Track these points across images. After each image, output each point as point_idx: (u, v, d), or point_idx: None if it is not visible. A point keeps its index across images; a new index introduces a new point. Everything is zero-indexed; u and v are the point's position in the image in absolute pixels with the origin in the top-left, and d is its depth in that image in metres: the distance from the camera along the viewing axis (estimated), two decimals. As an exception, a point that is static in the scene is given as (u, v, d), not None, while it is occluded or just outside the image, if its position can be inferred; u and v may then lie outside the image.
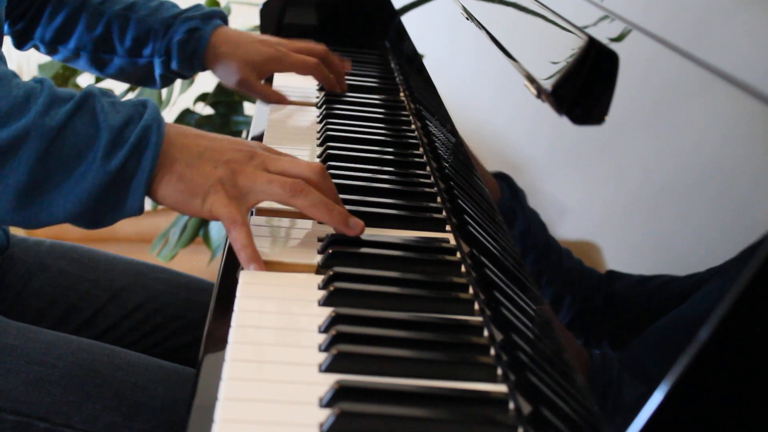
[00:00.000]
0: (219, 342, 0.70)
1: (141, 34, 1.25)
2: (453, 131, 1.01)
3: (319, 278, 0.80)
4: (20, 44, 1.31)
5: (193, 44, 1.24)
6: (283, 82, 1.37)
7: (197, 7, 1.29)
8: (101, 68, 1.30)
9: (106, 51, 1.27)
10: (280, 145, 1.13)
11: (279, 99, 1.29)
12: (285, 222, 0.91)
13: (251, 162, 0.83)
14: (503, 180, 0.84)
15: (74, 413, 0.94)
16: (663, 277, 0.58)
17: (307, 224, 0.91)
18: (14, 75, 0.81)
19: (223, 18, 1.29)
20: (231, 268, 0.82)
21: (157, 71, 1.27)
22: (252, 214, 0.90)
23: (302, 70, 1.29)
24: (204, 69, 1.28)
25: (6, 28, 1.28)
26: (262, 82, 1.30)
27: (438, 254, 0.86)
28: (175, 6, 1.28)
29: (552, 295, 0.69)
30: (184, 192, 0.81)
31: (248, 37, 1.28)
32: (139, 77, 1.31)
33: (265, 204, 0.89)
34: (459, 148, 0.99)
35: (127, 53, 1.26)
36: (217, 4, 2.11)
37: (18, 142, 0.76)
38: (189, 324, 1.20)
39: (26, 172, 0.77)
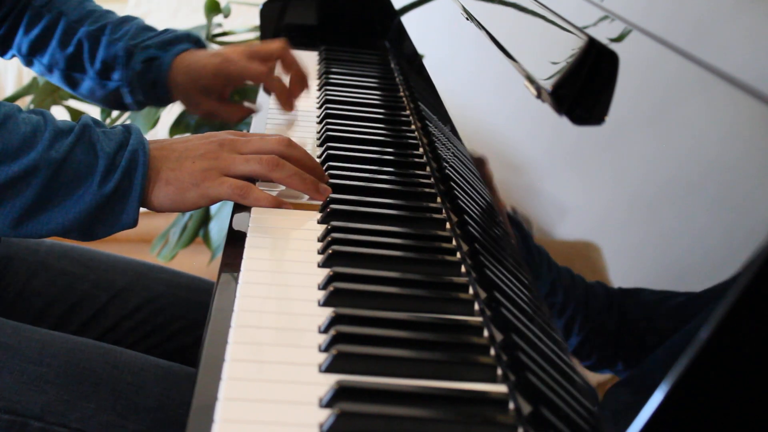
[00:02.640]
0: (219, 342, 0.70)
1: (109, 58, 1.23)
2: (453, 131, 1.01)
3: (320, 278, 0.80)
4: (2, 51, 1.29)
5: (153, 74, 1.21)
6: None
7: (166, 31, 1.24)
8: (73, 87, 1.28)
9: (77, 70, 1.26)
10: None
11: (241, 114, 1.26)
12: (285, 222, 0.91)
13: (224, 149, 0.93)
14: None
15: (69, 412, 0.93)
16: (678, 296, 0.58)
17: (307, 224, 0.91)
18: (19, 110, 0.89)
19: (193, 40, 1.24)
20: (231, 267, 0.82)
21: (127, 99, 1.25)
22: (251, 223, 0.90)
23: (252, 78, 1.24)
24: (174, 100, 1.25)
25: None
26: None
27: (438, 254, 0.86)
28: (146, 30, 1.24)
29: (564, 319, 0.69)
30: (176, 192, 0.90)
31: (202, 56, 1.22)
32: (111, 101, 1.28)
33: (264, 215, 0.91)
34: (459, 148, 0.99)
35: (98, 75, 1.24)
36: (217, 5, 2.11)
37: (28, 173, 0.86)
38: (190, 324, 1.20)
39: (32, 197, 0.86)
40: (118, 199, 0.88)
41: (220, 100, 1.25)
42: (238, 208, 0.95)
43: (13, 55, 1.30)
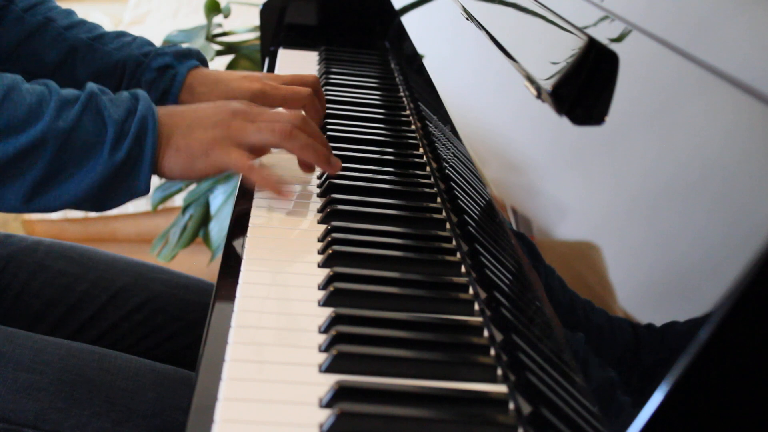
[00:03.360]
0: (219, 342, 0.70)
1: (106, 69, 1.13)
2: (453, 131, 1.01)
3: (320, 278, 0.80)
4: None
5: (166, 83, 1.11)
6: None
7: (173, 46, 1.16)
8: None
9: (63, 81, 1.12)
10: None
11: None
12: (285, 223, 0.91)
13: (237, 117, 0.92)
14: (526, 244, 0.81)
15: (63, 420, 0.93)
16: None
17: (307, 224, 0.91)
18: (22, 81, 0.87)
19: (201, 59, 1.16)
20: (231, 267, 0.82)
21: None
22: (251, 224, 0.90)
23: (295, 103, 1.11)
24: None
25: None
26: None
27: (438, 254, 0.86)
28: (149, 44, 1.16)
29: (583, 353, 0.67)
30: (186, 159, 0.90)
31: (229, 74, 1.14)
32: None
33: (264, 215, 0.92)
34: (459, 148, 0.99)
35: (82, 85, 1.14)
36: (217, 5, 2.11)
37: (36, 145, 0.84)
38: (189, 325, 1.19)
39: (43, 169, 0.85)
40: (129, 167, 0.87)
41: None
42: (239, 207, 0.95)
43: None
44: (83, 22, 1.17)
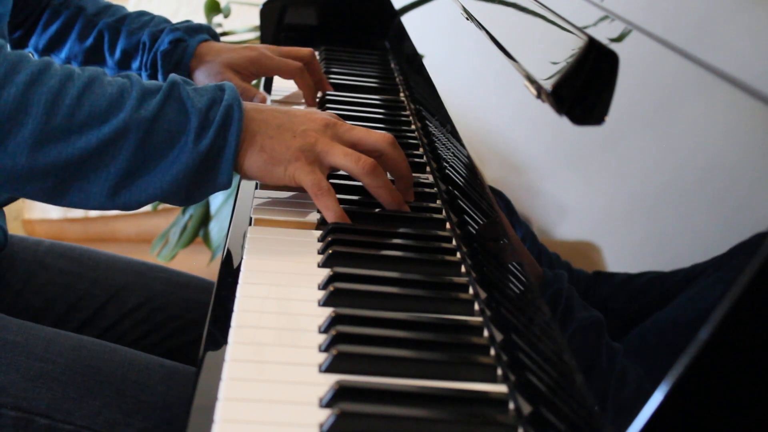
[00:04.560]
0: (219, 342, 0.70)
1: (130, 47, 1.25)
2: (453, 131, 1.01)
3: (320, 278, 0.80)
4: None
5: (178, 55, 1.22)
6: (284, 84, 1.37)
7: (187, 21, 1.28)
8: None
9: (96, 62, 1.27)
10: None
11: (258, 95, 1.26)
12: (285, 222, 0.91)
13: (327, 131, 0.90)
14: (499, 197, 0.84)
15: (75, 409, 0.94)
16: (648, 274, 0.58)
17: (307, 225, 0.91)
18: (104, 73, 0.87)
19: (212, 34, 1.28)
20: (231, 268, 0.82)
21: None
22: (251, 223, 0.90)
23: (285, 73, 1.26)
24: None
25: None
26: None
27: (438, 254, 0.86)
28: (166, 21, 1.28)
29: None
30: (267, 161, 0.88)
31: (231, 46, 1.26)
32: None
33: (264, 215, 0.92)
34: (459, 148, 0.99)
35: (117, 65, 1.26)
36: (217, 5, 2.11)
37: (118, 135, 0.83)
38: (189, 323, 1.20)
39: (126, 160, 0.83)
40: (213, 157, 0.85)
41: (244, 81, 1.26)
42: (239, 207, 0.95)
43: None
44: (109, 6, 1.29)
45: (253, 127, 0.88)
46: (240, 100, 0.88)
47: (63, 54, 1.28)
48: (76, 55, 1.27)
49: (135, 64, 1.25)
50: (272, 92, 1.33)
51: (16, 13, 1.26)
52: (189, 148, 0.84)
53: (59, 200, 0.86)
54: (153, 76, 1.25)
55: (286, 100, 1.32)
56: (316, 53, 1.57)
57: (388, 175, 0.93)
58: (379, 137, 0.92)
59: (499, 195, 0.82)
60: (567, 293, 0.64)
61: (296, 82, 1.28)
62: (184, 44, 1.22)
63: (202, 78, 1.26)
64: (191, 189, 0.86)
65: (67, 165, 0.83)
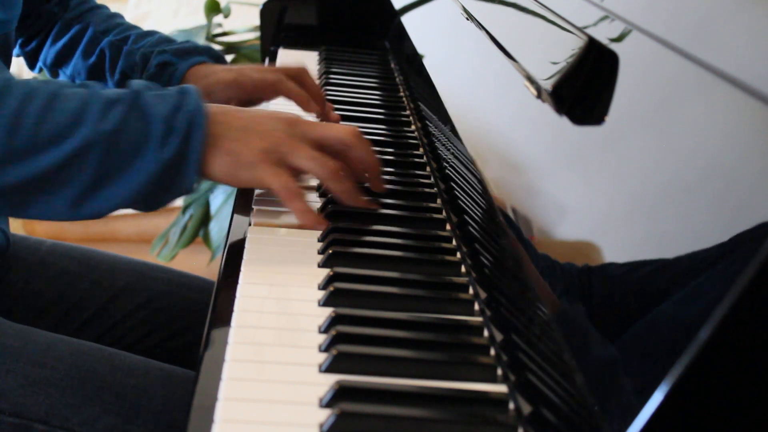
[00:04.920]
0: (219, 342, 0.70)
1: (128, 67, 1.21)
2: (453, 131, 1.01)
3: (320, 278, 0.80)
4: (32, 65, 1.30)
5: (164, 80, 1.17)
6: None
7: (186, 42, 1.22)
8: None
9: (99, 81, 1.22)
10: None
11: None
12: (285, 223, 0.91)
13: (292, 131, 0.89)
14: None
15: (73, 415, 0.93)
16: (646, 267, 0.58)
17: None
18: (67, 85, 0.85)
19: (214, 56, 1.20)
20: (231, 267, 0.82)
21: None
22: (251, 224, 0.90)
23: (266, 89, 1.15)
24: None
25: (18, 48, 1.28)
26: None
27: (438, 254, 0.86)
28: (168, 41, 1.22)
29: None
30: (233, 165, 0.86)
31: (218, 69, 1.17)
32: None
33: (264, 215, 0.92)
34: (459, 148, 0.99)
35: (116, 86, 1.21)
36: (217, 5, 2.11)
37: (82, 150, 0.82)
38: (190, 324, 1.20)
39: (90, 173, 0.82)
40: (177, 164, 0.84)
41: None
42: (239, 207, 0.95)
43: (41, 68, 1.29)
44: (118, 25, 1.26)
45: (217, 130, 0.86)
46: (201, 104, 0.86)
47: (69, 70, 1.25)
48: (80, 72, 1.24)
49: None
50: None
51: (31, 23, 1.25)
52: (153, 156, 0.83)
53: (21, 214, 0.85)
54: None
55: None
56: (316, 53, 1.57)
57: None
58: (343, 131, 0.91)
59: (511, 224, 0.82)
60: (583, 329, 0.63)
61: (283, 94, 1.16)
62: (172, 68, 1.17)
63: None
64: (155, 196, 0.85)
65: (30, 182, 0.82)
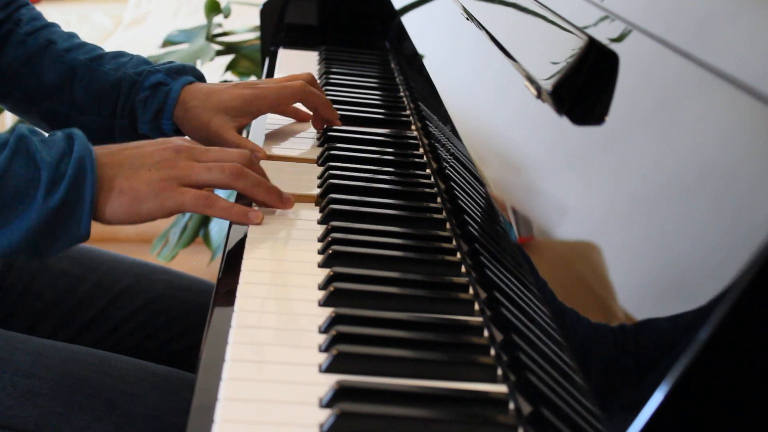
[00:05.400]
0: (219, 342, 0.70)
1: (103, 90, 1.13)
2: (453, 131, 1.01)
3: (320, 278, 0.80)
4: None
5: (159, 101, 1.10)
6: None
7: (168, 63, 1.15)
8: (53, 123, 1.16)
9: (59, 101, 1.15)
10: (281, 146, 1.14)
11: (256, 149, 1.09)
12: (285, 223, 0.91)
13: (181, 155, 0.88)
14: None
15: (64, 425, 0.92)
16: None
17: (307, 224, 0.91)
18: None
19: (197, 75, 1.15)
20: (231, 268, 0.82)
21: (118, 135, 1.14)
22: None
23: (287, 98, 1.14)
24: (177, 131, 1.12)
25: None
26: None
27: (438, 254, 0.86)
28: (145, 62, 1.15)
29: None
30: (132, 202, 0.85)
31: (220, 85, 1.14)
32: (95, 136, 1.05)
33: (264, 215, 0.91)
34: (459, 148, 0.99)
35: (85, 107, 1.14)
36: (217, 5, 2.11)
37: None
38: (191, 327, 1.19)
39: None
40: (68, 212, 0.82)
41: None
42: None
43: None
44: (83, 44, 1.17)
45: (107, 172, 0.85)
46: (90, 148, 0.84)
47: (25, 90, 1.15)
48: (40, 94, 1.15)
49: (106, 109, 1.13)
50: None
51: None
52: (38, 204, 0.81)
53: None
54: (131, 125, 1.13)
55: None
56: (316, 53, 1.57)
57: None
58: (235, 154, 0.90)
59: (525, 257, 0.82)
60: (583, 329, 0.63)
61: (306, 103, 1.16)
62: (167, 89, 1.11)
63: (190, 129, 1.11)
64: (44, 244, 0.83)
65: None
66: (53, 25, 1.19)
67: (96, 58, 1.15)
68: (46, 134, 0.85)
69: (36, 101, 1.16)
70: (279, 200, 0.92)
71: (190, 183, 0.87)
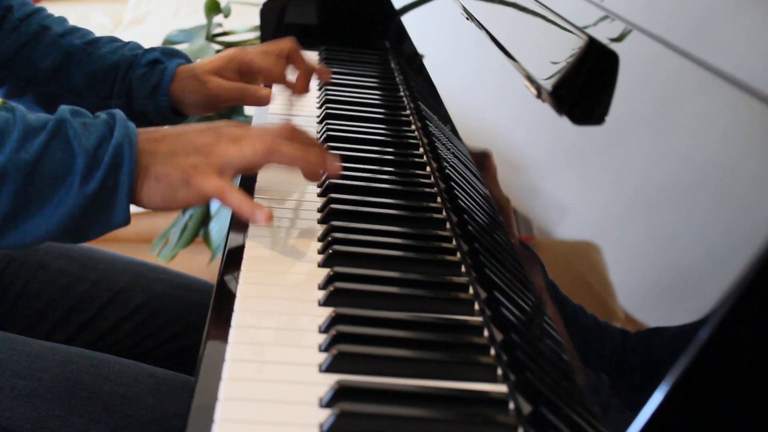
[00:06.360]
0: (219, 342, 0.70)
1: (100, 72, 1.16)
2: (453, 131, 1.02)
3: (320, 278, 0.80)
4: None
5: (156, 78, 1.15)
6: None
7: (160, 46, 1.20)
8: (49, 107, 1.17)
9: (56, 85, 1.17)
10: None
11: (264, 95, 1.16)
12: (285, 222, 0.91)
13: (220, 140, 0.86)
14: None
15: (61, 427, 0.92)
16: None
17: (307, 224, 0.91)
18: None
19: (188, 59, 1.19)
20: (231, 268, 0.82)
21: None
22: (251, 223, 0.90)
23: (267, 59, 1.18)
24: (173, 110, 1.17)
25: None
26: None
27: (438, 254, 0.86)
28: (140, 46, 1.20)
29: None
30: (166, 189, 0.84)
31: (208, 58, 1.19)
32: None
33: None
34: (459, 148, 0.99)
35: (83, 90, 1.17)
36: (217, 5, 2.11)
37: None
38: (190, 326, 1.19)
39: (7, 204, 0.79)
40: (104, 198, 0.82)
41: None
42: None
43: None
44: (76, 29, 1.20)
45: (145, 159, 0.84)
46: (131, 133, 0.83)
47: (20, 74, 1.17)
48: (36, 78, 1.17)
49: (104, 91, 1.17)
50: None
51: None
52: (75, 190, 0.80)
53: None
54: (127, 104, 1.16)
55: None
56: (316, 53, 1.57)
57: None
58: (276, 129, 0.88)
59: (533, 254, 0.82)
60: (583, 329, 0.62)
61: (294, 62, 1.20)
62: (162, 66, 1.15)
63: (188, 98, 1.16)
64: (82, 229, 0.83)
65: None
66: (42, 10, 1.21)
67: (91, 41, 1.18)
68: (91, 115, 0.85)
69: (31, 86, 1.18)
70: (322, 166, 0.89)
71: (225, 168, 0.85)
